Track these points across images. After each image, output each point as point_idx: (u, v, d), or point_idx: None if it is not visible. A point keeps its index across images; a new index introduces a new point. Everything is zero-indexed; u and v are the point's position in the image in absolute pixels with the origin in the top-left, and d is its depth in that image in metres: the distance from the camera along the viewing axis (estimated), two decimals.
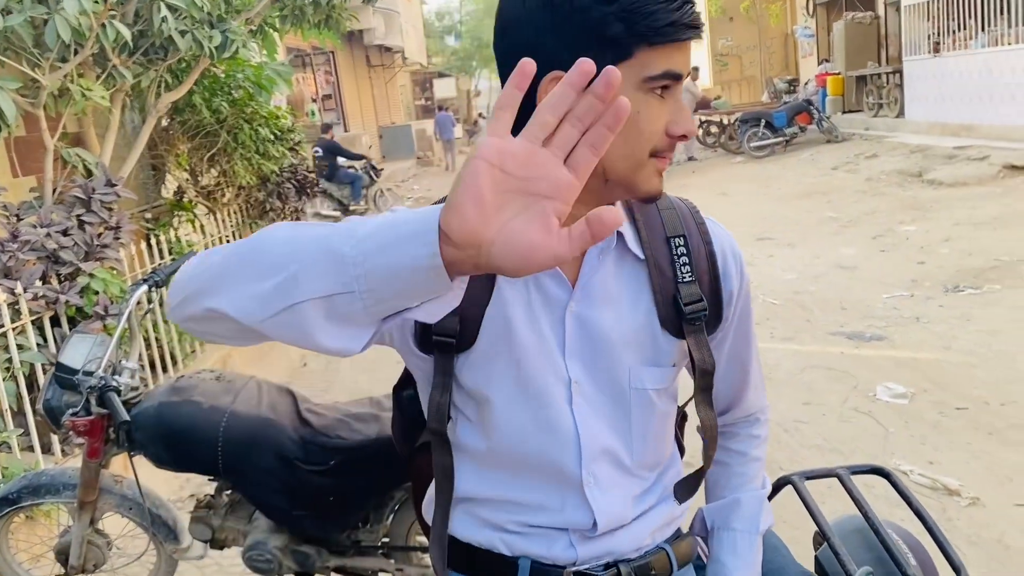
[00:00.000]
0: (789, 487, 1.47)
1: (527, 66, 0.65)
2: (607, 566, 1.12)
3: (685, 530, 1.25)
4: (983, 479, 3.26)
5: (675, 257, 1.09)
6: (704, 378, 1.12)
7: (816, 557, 1.40)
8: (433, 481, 1.17)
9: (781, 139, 15.08)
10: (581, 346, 1.06)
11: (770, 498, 1.44)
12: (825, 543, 1.33)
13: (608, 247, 1.06)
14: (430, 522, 1.18)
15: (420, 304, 0.74)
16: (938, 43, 13.22)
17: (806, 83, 19.30)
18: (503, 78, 0.97)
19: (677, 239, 1.10)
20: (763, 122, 15.13)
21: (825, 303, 5.89)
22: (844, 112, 16.82)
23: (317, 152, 13.33)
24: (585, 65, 0.63)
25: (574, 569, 1.11)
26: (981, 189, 9.13)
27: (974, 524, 2.97)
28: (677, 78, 0.94)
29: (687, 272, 1.09)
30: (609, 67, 0.63)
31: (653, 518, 1.15)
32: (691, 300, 1.08)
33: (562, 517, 1.10)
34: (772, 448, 3.64)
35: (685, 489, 1.20)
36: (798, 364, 4.72)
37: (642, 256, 1.08)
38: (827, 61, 18.31)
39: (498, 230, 0.67)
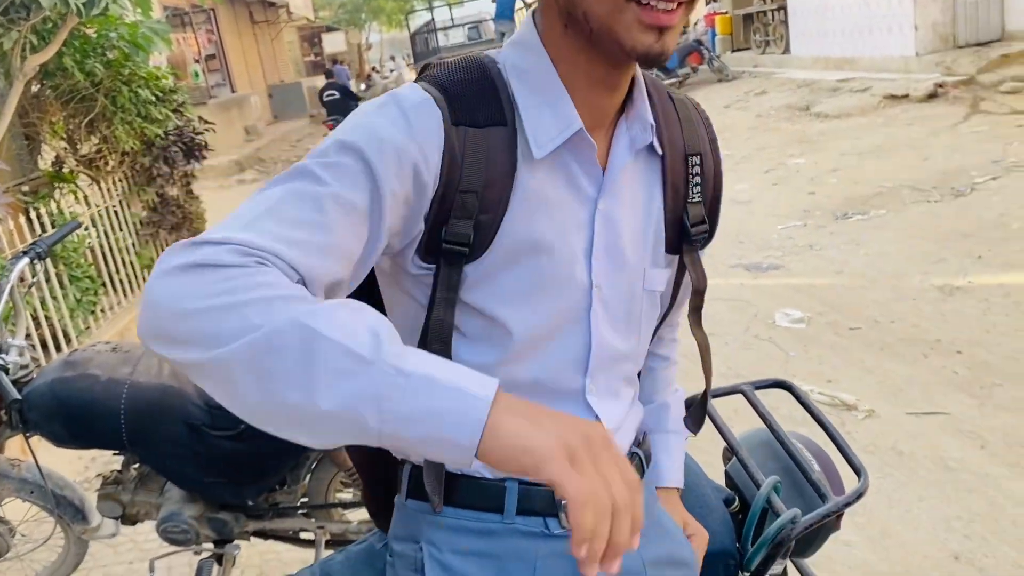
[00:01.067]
0: None
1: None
2: None
3: None
4: (877, 392, 3.45)
5: (690, 176, 1.06)
6: (696, 297, 1.12)
7: (726, 471, 1.45)
8: None
9: (674, 80, 15.27)
10: (606, 247, 1.01)
11: None
12: (734, 457, 1.38)
13: (644, 142, 1.01)
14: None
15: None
16: None
17: (695, 23, 19.55)
18: None
19: (694, 157, 1.07)
20: None
21: (723, 237, 6.02)
22: (733, 51, 17.14)
23: (334, 95, 13.37)
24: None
25: None
26: (864, 119, 9.49)
27: (870, 434, 3.14)
28: None
29: (697, 193, 1.07)
30: None
31: (633, 421, 1.14)
32: (697, 221, 1.07)
33: None
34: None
35: (696, 418, 1.19)
36: None
37: (661, 153, 1.03)
38: (715, 1, 18.58)
39: None
